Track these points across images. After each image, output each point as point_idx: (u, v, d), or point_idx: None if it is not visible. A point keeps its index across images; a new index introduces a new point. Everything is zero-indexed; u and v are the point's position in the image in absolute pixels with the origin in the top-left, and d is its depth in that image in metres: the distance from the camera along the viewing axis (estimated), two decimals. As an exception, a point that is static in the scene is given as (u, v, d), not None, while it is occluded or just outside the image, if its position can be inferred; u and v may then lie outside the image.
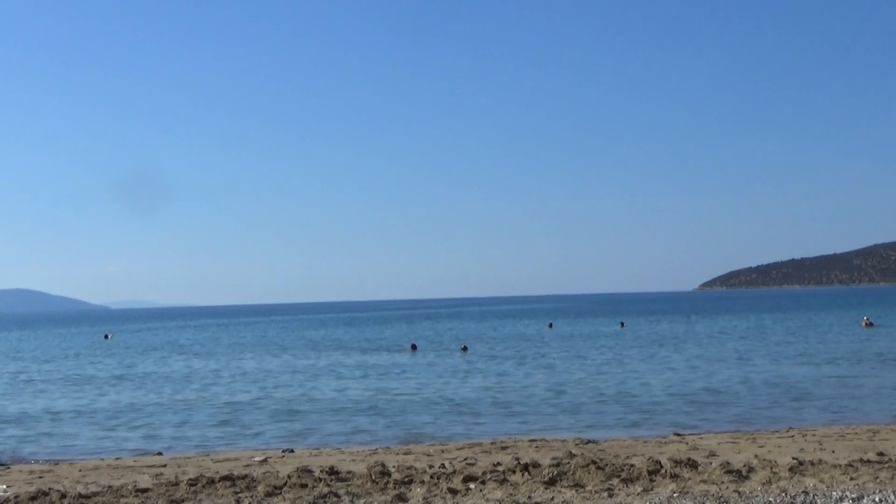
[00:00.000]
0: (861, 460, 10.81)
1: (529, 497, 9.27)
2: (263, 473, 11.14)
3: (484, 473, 10.49)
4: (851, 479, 9.69)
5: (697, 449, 12.44)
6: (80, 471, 12.16)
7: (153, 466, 12.38)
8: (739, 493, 9.15)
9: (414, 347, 44.33)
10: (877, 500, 8.63)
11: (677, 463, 10.77)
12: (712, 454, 11.84)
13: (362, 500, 9.38)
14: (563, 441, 13.97)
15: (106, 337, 73.89)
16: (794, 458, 11.01)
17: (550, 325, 70.76)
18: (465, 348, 43.14)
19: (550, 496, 9.30)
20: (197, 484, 10.43)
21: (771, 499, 8.83)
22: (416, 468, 11.12)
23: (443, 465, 11.31)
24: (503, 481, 10.04)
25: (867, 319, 55.11)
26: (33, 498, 9.90)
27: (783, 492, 9.13)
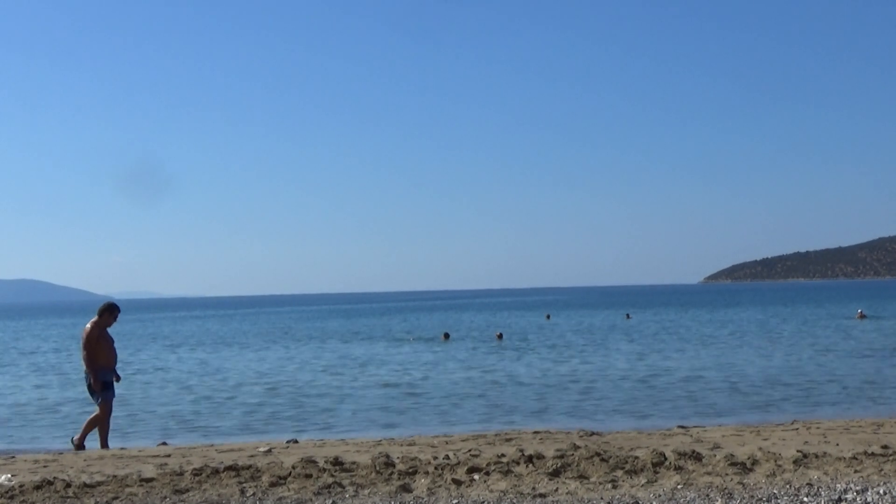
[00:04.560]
0: (865, 453, 10.78)
1: (533, 488, 9.27)
2: (268, 464, 11.15)
3: (488, 465, 10.47)
4: (856, 471, 9.68)
5: (702, 441, 12.43)
6: (84, 460, 12.19)
7: (157, 456, 12.40)
8: (743, 484, 9.14)
9: (446, 336, 43.60)
10: (881, 492, 8.62)
11: (681, 455, 10.76)
12: (717, 446, 11.82)
13: (366, 491, 9.38)
14: (568, 433, 13.96)
15: None
16: (798, 451, 10.99)
17: (548, 317, 70.04)
18: (500, 336, 42.69)
19: (554, 487, 9.30)
20: (201, 474, 10.44)
21: (775, 491, 8.81)
22: (420, 459, 11.11)
23: (447, 457, 11.31)
24: (507, 472, 10.04)
25: (861, 312, 55.40)
26: (38, 487, 9.91)
27: (787, 484, 9.11)
